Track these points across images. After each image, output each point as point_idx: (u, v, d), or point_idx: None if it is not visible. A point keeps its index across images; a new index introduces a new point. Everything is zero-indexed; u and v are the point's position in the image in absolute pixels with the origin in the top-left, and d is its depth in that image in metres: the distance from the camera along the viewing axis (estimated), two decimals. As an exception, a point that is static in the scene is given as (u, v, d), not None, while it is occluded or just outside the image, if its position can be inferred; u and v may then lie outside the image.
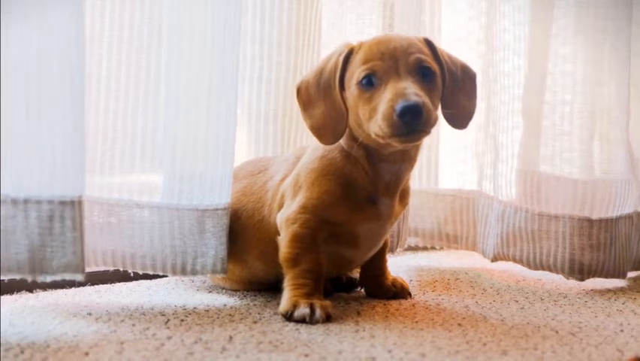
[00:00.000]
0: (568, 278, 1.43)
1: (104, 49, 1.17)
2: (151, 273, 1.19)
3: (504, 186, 1.50)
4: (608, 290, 1.39)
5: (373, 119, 1.05)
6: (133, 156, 1.19)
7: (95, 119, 1.17)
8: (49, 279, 1.01)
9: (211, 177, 1.18)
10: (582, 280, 1.42)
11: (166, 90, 1.17)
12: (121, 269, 1.18)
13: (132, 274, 1.28)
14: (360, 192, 1.13)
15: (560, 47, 1.47)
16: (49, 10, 1.00)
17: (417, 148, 1.16)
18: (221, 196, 1.18)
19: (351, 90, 1.09)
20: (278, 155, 1.38)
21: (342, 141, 1.14)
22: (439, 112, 1.12)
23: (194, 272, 1.18)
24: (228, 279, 1.27)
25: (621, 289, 1.41)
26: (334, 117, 1.11)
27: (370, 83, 1.07)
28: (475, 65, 1.60)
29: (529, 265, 1.46)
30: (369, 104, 1.06)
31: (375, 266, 1.27)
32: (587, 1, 1.45)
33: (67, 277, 1.02)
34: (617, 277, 1.44)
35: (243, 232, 1.21)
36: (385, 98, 1.04)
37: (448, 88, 1.13)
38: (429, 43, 1.14)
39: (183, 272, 1.18)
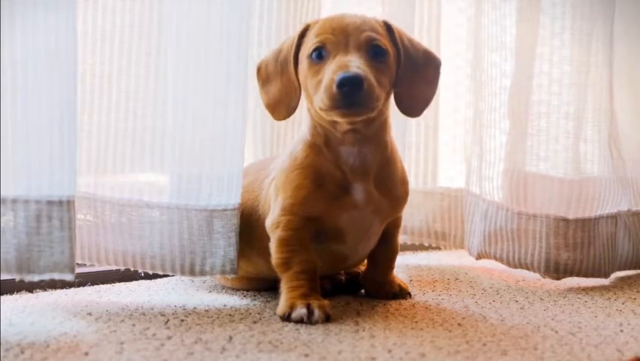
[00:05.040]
0: (544, 277, 1.45)
1: (115, 48, 1.18)
2: (160, 273, 1.20)
3: (488, 184, 1.51)
4: (608, 290, 1.39)
5: (318, 93, 1.06)
6: (142, 155, 1.19)
7: (106, 119, 1.18)
8: (37, 278, 1.01)
9: (219, 177, 1.18)
10: (558, 279, 1.44)
11: (174, 90, 1.17)
12: (131, 269, 1.19)
13: (132, 274, 1.29)
14: (329, 181, 1.13)
15: (546, 50, 1.48)
16: (42, 14, 1.00)
17: (375, 130, 1.14)
18: (230, 197, 1.18)
19: (303, 64, 1.11)
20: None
21: (306, 131, 1.16)
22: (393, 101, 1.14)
23: (202, 273, 1.18)
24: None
25: (621, 289, 1.41)
26: (289, 93, 1.14)
27: (320, 56, 1.09)
28: (466, 68, 1.62)
29: (508, 264, 1.48)
30: (316, 76, 1.08)
31: (380, 273, 1.26)
32: (572, 4, 1.45)
33: (56, 276, 1.02)
34: (598, 276, 1.45)
35: (247, 227, 1.21)
36: (329, 70, 1.05)
37: (404, 72, 1.14)
38: (387, 26, 1.14)
39: (192, 273, 1.18)
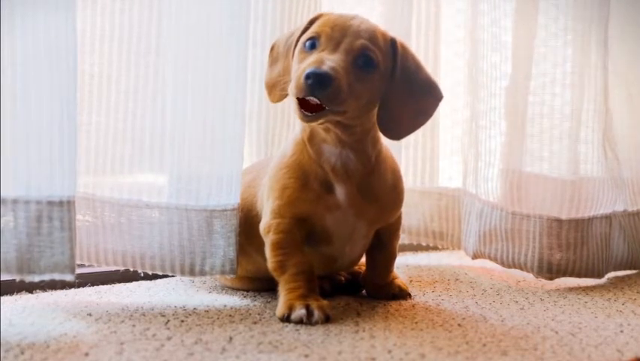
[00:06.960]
0: (537, 277, 1.45)
1: (114, 48, 1.18)
2: (160, 273, 1.20)
3: (484, 185, 1.52)
4: (608, 291, 1.40)
5: (293, 79, 1.06)
6: (142, 156, 1.19)
7: (105, 119, 1.18)
8: (37, 279, 1.01)
9: (219, 177, 1.18)
10: (551, 279, 1.44)
11: (173, 90, 1.17)
12: (131, 269, 1.19)
13: (132, 275, 1.29)
14: (313, 179, 1.13)
15: (542, 51, 1.48)
16: (42, 14, 0.99)
17: (356, 140, 1.12)
18: (230, 197, 1.18)
19: (297, 49, 1.11)
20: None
21: (299, 128, 1.16)
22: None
23: (202, 273, 1.18)
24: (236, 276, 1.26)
25: (621, 290, 1.41)
26: (285, 76, 1.14)
27: (313, 46, 1.08)
28: (465, 69, 1.62)
29: (502, 264, 1.48)
30: (300, 63, 1.07)
31: (379, 276, 1.26)
32: (567, 5, 1.46)
33: (57, 276, 1.02)
34: (592, 276, 1.46)
35: (246, 224, 1.21)
36: (307, 61, 1.05)
37: (395, 92, 1.11)
38: (392, 43, 1.12)
39: (192, 273, 1.18)
